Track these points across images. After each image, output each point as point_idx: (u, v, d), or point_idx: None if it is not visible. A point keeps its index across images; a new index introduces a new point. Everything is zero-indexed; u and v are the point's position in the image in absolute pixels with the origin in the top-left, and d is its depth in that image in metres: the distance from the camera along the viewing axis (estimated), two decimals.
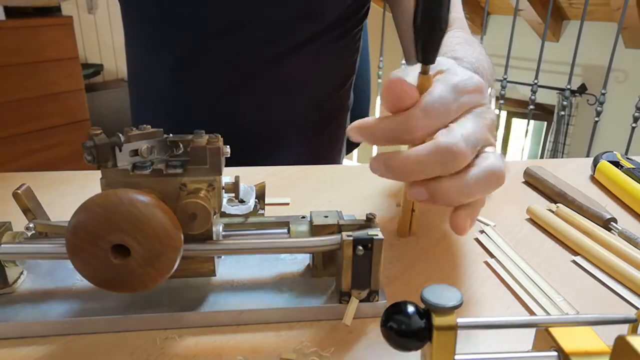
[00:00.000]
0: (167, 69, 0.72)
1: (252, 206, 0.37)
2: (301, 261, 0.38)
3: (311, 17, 0.69)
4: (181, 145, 0.34)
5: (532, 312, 0.35)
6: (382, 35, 2.60)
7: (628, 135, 2.21)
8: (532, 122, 2.70)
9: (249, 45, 0.69)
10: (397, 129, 0.32)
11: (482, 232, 0.46)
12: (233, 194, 0.37)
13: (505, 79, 2.45)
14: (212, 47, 0.69)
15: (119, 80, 2.80)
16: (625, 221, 0.49)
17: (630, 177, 0.54)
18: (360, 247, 0.32)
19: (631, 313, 0.25)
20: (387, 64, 2.77)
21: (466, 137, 0.32)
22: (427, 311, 0.24)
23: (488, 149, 0.35)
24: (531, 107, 2.44)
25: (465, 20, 0.71)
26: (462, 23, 0.69)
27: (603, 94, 2.14)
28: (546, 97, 3.46)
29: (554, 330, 0.25)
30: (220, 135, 0.34)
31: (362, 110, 0.93)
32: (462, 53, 0.50)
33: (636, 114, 2.07)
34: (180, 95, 0.74)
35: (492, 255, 0.42)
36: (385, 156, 0.32)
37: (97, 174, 0.33)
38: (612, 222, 0.46)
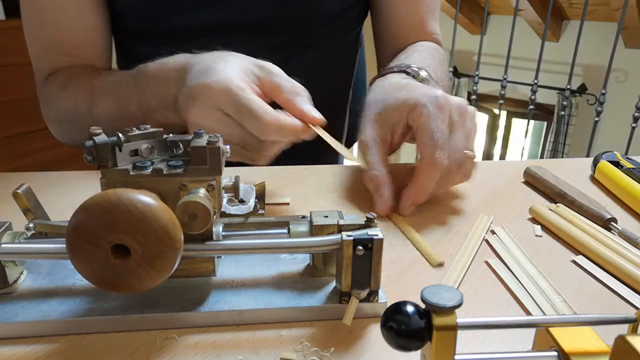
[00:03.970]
0: None
1: (252, 206, 0.37)
2: (301, 261, 0.38)
3: (311, 13, 0.69)
4: (181, 145, 0.34)
5: (529, 314, 0.35)
6: None
7: (628, 135, 2.21)
8: (532, 122, 2.70)
9: (247, 48, 0.69)
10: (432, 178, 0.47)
11: (493, 232, 0.46)
12: (233, 194, 0.37)
13: (505, 79, 2.45)
14: (209, 49, 0.69)
15: None
16: (625, 221, 0.49)
17: (630, 177, 0.54)
18: (360, 247, 0.32)
19: (631, 313, 0.25)
20: None
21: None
22: (427, 311, 0.24)
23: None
24: (531, 107, 2.44)
25: (439, 35, 0.77)
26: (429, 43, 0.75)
27: (603, 94, 2.14)
28: (546, 97, 3.46)
29: (554, 330, 0.25)
30: (220, 135, 0.34)
31: (357, 107, 0.93)
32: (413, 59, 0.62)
33: (636, 114, 2.07)
34: None
35: (497, 255, 0.42)
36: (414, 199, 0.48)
37: (97, 174, 0.33)
38: (612, 222, 0.46)
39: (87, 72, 0.64)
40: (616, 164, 0.57)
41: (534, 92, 2.38)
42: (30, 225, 0.35)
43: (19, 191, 0.34)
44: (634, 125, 2.11)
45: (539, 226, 0.47)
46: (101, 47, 0.68)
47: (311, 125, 0.46)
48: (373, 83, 0.58)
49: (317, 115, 0.47)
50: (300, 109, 0.46)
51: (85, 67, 0.66)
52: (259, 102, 0.44)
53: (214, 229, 0.33)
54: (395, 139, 0.51)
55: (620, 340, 0.21)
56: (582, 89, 3.39)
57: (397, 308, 0.24)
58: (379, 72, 0.77)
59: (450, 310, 0.23)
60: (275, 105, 0.47)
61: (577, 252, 0.43)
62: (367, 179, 0.49)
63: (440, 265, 0.40)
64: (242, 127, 0.45)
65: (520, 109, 3.70)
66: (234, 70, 0.46)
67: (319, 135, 0.47)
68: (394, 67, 0.59)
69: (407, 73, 0.57)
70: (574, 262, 0.42)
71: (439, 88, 0.51)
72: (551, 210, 0.48)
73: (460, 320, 0.24)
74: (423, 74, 0.57)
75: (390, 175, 0.49)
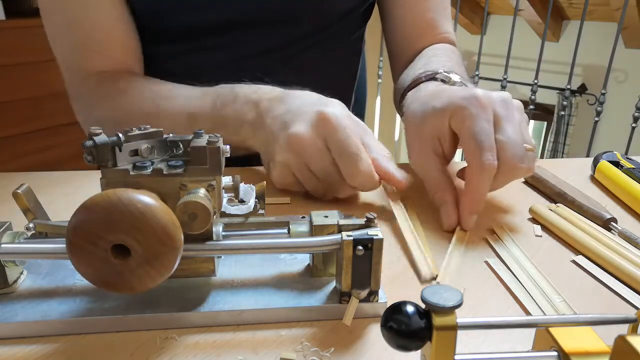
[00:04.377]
0: (164, 73, 0.72)
1: (252, 206, 0.37)
2: (301, 261, 0.38)
3: (316, 13, 0.69)
4: (181, 145, 0.34)
5: (529, 314, 0.35)
6: (381, 35, 2.60)
7: (628, 135, 2.21)
8: (532, 122, 2.71)
9: (252, 46, 0.69)
10: (485, 184, 0.44)
11: (493, 232, 0.46)
12: (233, 194, 0.37)
13: (505, 79, 2.45)
14: (214, 48, 0.69)
15: None
16: (625, 221, 0.49)
17: (630, 177, 0.54)
18: (360, 247, 0.32)
19: (631, 313, 0.25)
20: (387, 63, 2.76)
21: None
22: (427, 311, 0.24)
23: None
24: (531, 107, 2.44)
25: (452, 34, 0.76)
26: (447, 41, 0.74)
27: (603, 94, 2.14)
28: (546, 97, 3.46)
29: (554, 330, 0.25)
30: (220, 135, 0.34)
31: (358, 109, 0.93)
32: (435, 64, 0.60)
33: (636, 114, 2.07)
34: None
35: (497, 255, 0.42)
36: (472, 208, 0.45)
37: (97, 174, 0.33)
38: (612, 222, 0.46)
39: (148, 81, 0.64)
40: (616, 164, 0.57)
41: (534, 92, 2.38)
42: (30, 225, 0.35)
43: (19, 191, 0.34)
44: (634, 125, 2.11)
45: (539, 226, 0.47)
46: (132, 44, 0.67)
47: (389, 196, 0.49)
48: (405, 96, 0.56)
49: (403, 177, 0.48)
50: (387, 168, 0.48)
51: (142, 76, 0.66)
52: (362, 149, 0.47)
53: (214, 229, 0.33)
54: (446, 149, 0.48)
55: (620, 340, 0.21)
56: (582, 89, 3.39)
57: (397, 308, 0.24)
58: (394, 77, 0.77)
59: (450, 310, 0.23)
60: None
61: (577, 252, 0.43)
62: (431, 195, 0.48)
63: (433, 279, 0.39)
64: (333, 164, 0.47)
65: None
66: (345, 113, 0.49)
67: None
68: (422, 76, 0.57)
69: (436, 79, 0.55)
70: (574, 262, 0.42)
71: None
72: (551, 210, 0.48)
73: (460, 320, 0.24)
74: (454, 77, 0.55)
75: (453, 184, 0.47)
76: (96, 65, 0.65)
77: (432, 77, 0.56)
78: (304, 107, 0.49)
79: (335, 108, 0.48)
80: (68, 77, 0.68)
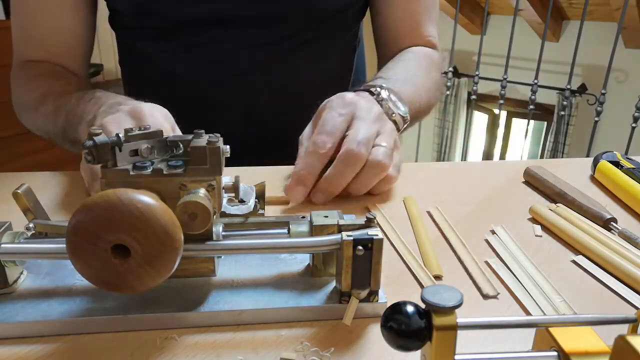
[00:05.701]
0: (158, 71, 0.72)
1: (252, 206, 0.37)
2: (301, 261, 0.38)
3: (309, 10, 0.70)
4: (181, 145, 0.34)
5: (529, 314, 0.35)
6: None
7: (628, 135, 2.21)
8: (532, 122, 2.70)
9: (245, 42, 0.69)
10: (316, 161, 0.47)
11: (493, 232, 0.46)
12: (233, 194, 0.37)
13: (505, 79, 2.45)
14: (207, 44, 0.69)
15: (119, 80, 2.80)
16: (625, 221, 0.49)
17: (630, 177, 0.54)
18: (360, 247, 0.32)
19: (631, 313, 0.25)
20: None
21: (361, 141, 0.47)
22: (427, 311, 0.24)
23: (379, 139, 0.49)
24: (531, 107, 2.44)
25: (434, 38, 0.79)
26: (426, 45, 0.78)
27: (603, 94, 2.14)
28: (546, 97, 3.46)
29: (554, 330, 0.25)
30: (220, 135, 0.34)
31: None
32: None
33: (636, 114, 2.07)
34: (173, 95, 0.73)
35: (497, 255, 0.42)
36: (322, 188, 0.48)
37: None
38: (612, 222, 0.46)
39: (52, 75, 0.68)
40: (616, 164, 0.57)
41: (534, 92, 2.38)
42: (30, 225, 0.35)
43: (19, 191, 0.34)
44: (634, 125, 2.11)
45: (539, 226, 0.47)
46: (78, 50, 0.72)
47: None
48: None
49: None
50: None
51: (53, 69, 0.69)
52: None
53: (214, 229, 0.33)
54: None
55: (620, 340, 0.21)
56: (582, 89, 3.39)
57: (397, 308, 0.24)
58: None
59: (450, 310, 0.23)
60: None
61: (577, 252, 0.43)
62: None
63: (438, 277, 0.39)
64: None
65: (520, 109, 3.69)
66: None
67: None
68: (361, 86, 0.61)
69: (371, 92, 0.58)
70: (574, 262, 0.42)
71: (400, 104, 0.56)
72: (551, 210, 0.48)
73: (460, 320, 0.24)
74: (383, 94, 0.58)
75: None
76: (33, 55, 0.70)
77: (367, 89, 0.59)
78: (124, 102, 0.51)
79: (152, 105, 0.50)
80: (14, 59, 0.73)
